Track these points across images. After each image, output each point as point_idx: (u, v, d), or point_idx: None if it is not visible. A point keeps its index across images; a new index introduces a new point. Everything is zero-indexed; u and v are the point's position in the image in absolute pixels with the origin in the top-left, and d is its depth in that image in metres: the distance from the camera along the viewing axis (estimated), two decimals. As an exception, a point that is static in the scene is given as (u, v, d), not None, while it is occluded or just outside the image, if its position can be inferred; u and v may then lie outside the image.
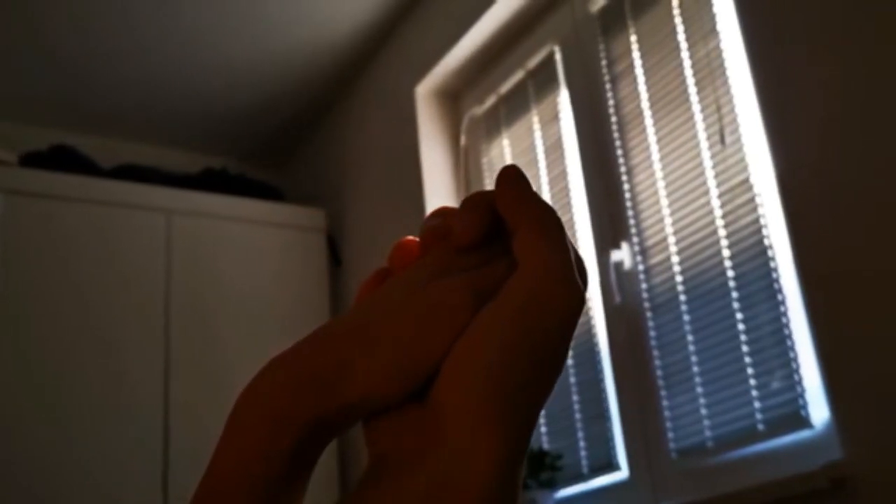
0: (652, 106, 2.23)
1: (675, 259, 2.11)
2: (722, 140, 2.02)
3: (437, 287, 0.35)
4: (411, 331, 0.34)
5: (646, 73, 2.26)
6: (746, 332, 1.92)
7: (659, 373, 2.11)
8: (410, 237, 0.39)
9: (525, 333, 0.33)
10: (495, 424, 0.32)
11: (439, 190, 2.88)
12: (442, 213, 0.38)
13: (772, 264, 1.88)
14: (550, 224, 0.36)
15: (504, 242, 0.37)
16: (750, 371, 1.90)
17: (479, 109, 2.89)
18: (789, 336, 1.83)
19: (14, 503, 2.61)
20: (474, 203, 0.37)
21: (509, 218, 0.36)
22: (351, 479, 2.97)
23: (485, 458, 0.31)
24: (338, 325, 0.35)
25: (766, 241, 1.89)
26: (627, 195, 2.26)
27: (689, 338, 2.04)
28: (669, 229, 2.13)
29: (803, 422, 1.78)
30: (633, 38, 2.31)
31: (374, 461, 0.34)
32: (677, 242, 2.11)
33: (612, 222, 2.29)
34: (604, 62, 2.39)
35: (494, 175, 0.39)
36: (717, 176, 2.03)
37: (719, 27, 2.06)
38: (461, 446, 0.32)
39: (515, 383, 0.32)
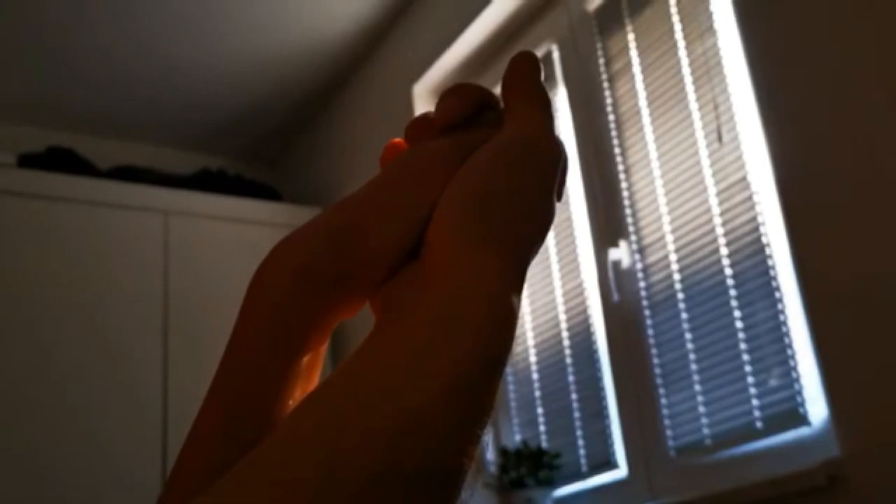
0: (649, 104, 2.23)
1: (672, 257, 2.11)
2: (719, 138, 2.02)
3: (425, 146, 0.38)
4: (406, 183, 0.37)
5: (643, 71, 2.26)
6: (744, 329, 1.92)
7: (657, 371, 2.11)
8: (397, 139, 0.41)
9: (506, 169, 0.35)
10: (478, 246, 0.33)
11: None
12: (425, 113, 0.40)
13: (769, 262, 1.88)
14: (542, 96, 0.39)
15: (491, 124, 0.39)
16: (748, 369, 1.90)
17: (477, 108, 2.89)
18: (787, 334, 1.83)
19: (18, 497, 2.62)
20: (455, 87, 0.39)
21: (507, 86, 0.39)
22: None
23: (472, 279, 0.32)
24: (349, 196, 0.38)
25: (763, 239, 1.90)
26: (625, 193, 2.26)
27: (687, 336, 2.04)
28: (667, 227, 2.13)
29: (801, 419, 1.78)
30: (631, 36, 2.31)
31: (378, 318, 0.36)
32: (675, 241, 2.11)
33: (609, 220, 2.29)
34: (601, 61, 2.39)
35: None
36: (714, 174, 2.03)
37: (716, 25, 2.07)
38: (448, 271, 0.33)
39: (496, 212, 0.34)
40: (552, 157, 0.37)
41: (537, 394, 2.49)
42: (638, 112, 2.26)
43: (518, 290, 0.33)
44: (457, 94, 0.39)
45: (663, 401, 2.08)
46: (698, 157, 2.07)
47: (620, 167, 2.29)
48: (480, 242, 0.33)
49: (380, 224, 0.36)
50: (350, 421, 0.27)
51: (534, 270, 2.54)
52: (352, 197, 0.37)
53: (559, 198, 0.39)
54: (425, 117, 0.40)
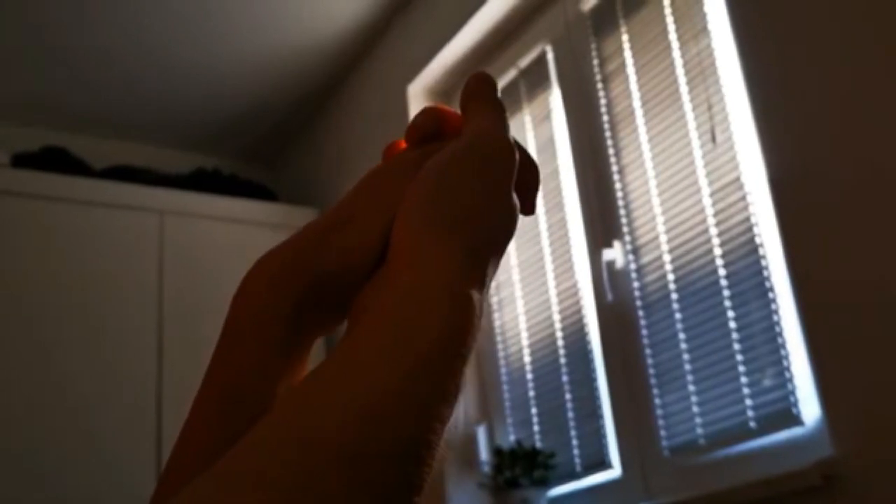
0: (643, 105, 2.24)
1: (666, 257, 2.12)
2: (713, 139, 2.02)
3: (396, 157, 0.42)
4: (375, 188, 0.40)
5: (637, 72, 2.27)
6: (738, 330, 1.92)
7: (651, 371, 2.11)
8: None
9: (457, 165, 0.38)
10: (431, 240, 0.35)
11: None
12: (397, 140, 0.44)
13: (763, 262, 1.89)
14: (496, 104, 0.42)
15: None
16: (741, 369, 1.90)
17: (472, 109, 2.89)
18: (780, 334, 1.83)
19: (17, 497, 2.62)
20: (425, 109, 0.43)
21: (465, 100, 0.42)
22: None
23: (425, 271, 0.34)
24: (330, 209, 0.40)
25: (757, 240, 1.90)
26: (619, 194, 2.27)
27: (681, 336, 2.05)
28: (661, 228, 2.14)
29: (795, 419, 1.79)
30: (625, 37, 2.31)
31: (350, 320, 0.38)
32: (669, 241, 2.12)
33: (603, 221, 2.30)
34: (595, 61, 2.40)
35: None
36: (708, 175, 2.03)
37: (710, 26, 2.07)
38: (405, 266, 0.35)
39: (446, 207, 0.36)
40: (504, 155, 0.39)
41: (531, 394, 2.50)
42: (632, 113, 2.26)
43: (475, 280, 0.34)
44: (427, 113, 0.42)
45: (657, 401, 2.09)
46: (692, 157, 2.07)
47: (614, 168, 2.29)
48: (433, 236, 0.35)
49: (350, 226, 0.38)
50: (326, 410, 0.29)
51: (528, 271, 2.55)
52: (333, 207, 0.40)
53: (529, 209, 0.41)
54: (397, 142, 0.44)
